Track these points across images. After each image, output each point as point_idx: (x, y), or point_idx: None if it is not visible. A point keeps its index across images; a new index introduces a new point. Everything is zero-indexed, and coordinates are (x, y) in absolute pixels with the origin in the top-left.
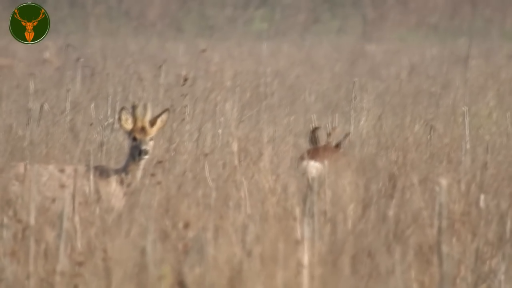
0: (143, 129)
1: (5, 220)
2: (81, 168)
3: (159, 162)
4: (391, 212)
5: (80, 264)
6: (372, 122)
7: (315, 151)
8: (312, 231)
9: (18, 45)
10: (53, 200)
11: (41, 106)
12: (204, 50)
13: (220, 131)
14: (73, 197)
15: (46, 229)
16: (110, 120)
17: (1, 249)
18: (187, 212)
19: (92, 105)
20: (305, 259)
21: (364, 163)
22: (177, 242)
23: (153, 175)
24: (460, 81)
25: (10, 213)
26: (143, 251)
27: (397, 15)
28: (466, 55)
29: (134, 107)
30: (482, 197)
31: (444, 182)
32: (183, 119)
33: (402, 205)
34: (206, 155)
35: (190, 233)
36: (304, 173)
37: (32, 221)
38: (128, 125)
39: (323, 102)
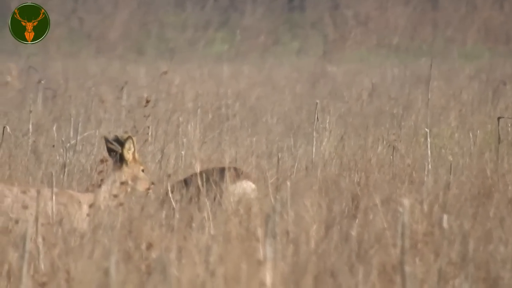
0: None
1: None
2: (45, 190)
3: (122, 183)
4: (354, 232)
5: (43, 285)
6: (334, 143)
7: (238, 171)
8: (274, 252)
9: None
10: (16, 221)
11: (4, 128)
12: (165, 72)
13: (183, 152)
14: (36, 218)
15: (9, 250)
16: (72, 142)
17: None
18: (150, 233)
19: (54, 127)
20: (268, 280)
21: (327, 184)
22: (140, 263)
23: (115, 196)
24: (422, 102)
25: None
26: (106, 272)
27: (358, 36)
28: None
29: (128, 138)
30: (445, 217)
31: (406, 202)
32: (146, 140)
33: (365, 225)
34: (169, 176)
35: (153, 254)
36: (242, 194)
37: None
38: (129, 155)
39: (285, 123)
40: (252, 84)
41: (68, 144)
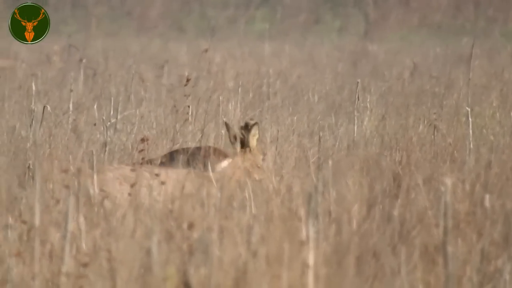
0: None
1: (10, 220)
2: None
3: (163, 162)
4: (396, 212)
5: (85, 265)
6: (375, 122)
7: (220, 151)
8: (317, 232)
9: (19, 46)
10: (57, 201)
11: (44, 107)
12: (205, 50)
13: (223, 131)
14: (77, 197)
15: (51, 230)
16: (113, 121)
17: (6, 250)
18: (192, 213)
19: (95, 106)
20: (310, 260)
21: (368, 163)
22: (182, 243)
23: (157, 175)
24: (463, 81)
25: (15, 213)
26: (148, 252)
27: (399, 15)
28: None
29: (255, 124)
30: (487, 196)
31: (448, 181)
32: (186, 120)
33: (407, 205)
34: None
35: (195, 234)
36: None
37: (37, 221)
38: (254, 142)
39: (326, 102)
40: (293, 62)
41: (109, 123)
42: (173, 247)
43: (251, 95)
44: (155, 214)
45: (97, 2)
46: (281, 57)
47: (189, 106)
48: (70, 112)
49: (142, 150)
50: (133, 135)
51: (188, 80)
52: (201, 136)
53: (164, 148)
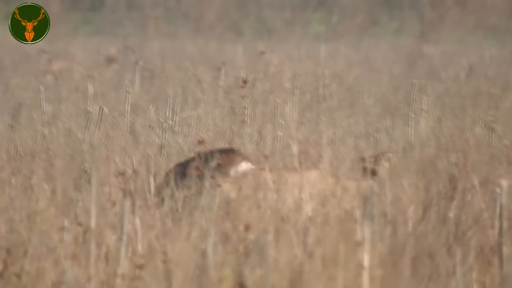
0: None
1: (66, 223)
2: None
3: (219, 164)
4: (451, 214)
5: (141, 267)
6: (431, 123)
7: (239, 154)
8: (372, 233)
9: (76, 48)
10: (114, 203)
11: (101, 109)
12: (263, 52)
13: (280, 133)
14: (134, 200)
15: (107, 232)
16: (170, 123)
17: (62, 252)
18: (248, 215)
19: (152, 108)
20: (366, 261)
21: (424, 165)
22: (237, 245)
23: (213, 177)
24: None
25: (71, 216)
26: (203, 254)
27: (455, 16)
28: None
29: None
30: None
31: (504, 183)
32: (243, 121)
33: (463, 207)
34: (266, 157)
35: (251, 235)
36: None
37: (93, 224)
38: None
39: (382, 104)
40: (349, 64)
41: (166, 125)
42: (229, 249)
43: (307, 96)
44: (211, 216)
45: (154, 3)
46: (337, 59)
47: (246, 108)
48: (127, 114)
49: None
50: (190, 137)
51: (245, 82)
52: (258, 138)
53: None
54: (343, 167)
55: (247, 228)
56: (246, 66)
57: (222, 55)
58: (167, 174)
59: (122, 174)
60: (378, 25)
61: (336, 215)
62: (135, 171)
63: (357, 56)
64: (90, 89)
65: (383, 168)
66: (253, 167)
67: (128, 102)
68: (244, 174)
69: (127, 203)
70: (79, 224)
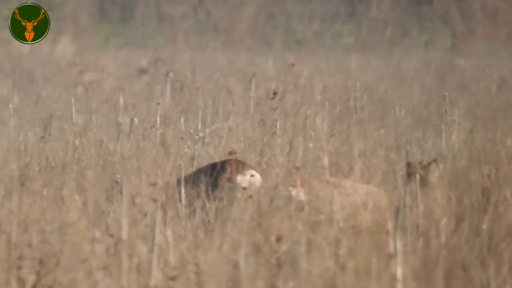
0: None
1: (97, 234)
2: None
3: (251, 176)
4: (484, 226)
5: (173, 278)
6: (463, 136)
7: (244, 164)
8: (405, 245)
9: (107, 60)
10: (145, 214)
11: (131, 120)
12: (292, 64)
13: (311, 145)
14: (165, 211)
15: (138, 243)
16: (201, 134)
17: (94, 263)
18: (280, 226)
19: (182, 119)
20: (399, 273)
21: (457, 177)
22: (270, 256)
23: (245, 188)
24: None
25: (102, 227)
26: (236, 265)
27: (486, 29)
28: None
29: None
30: None
31: None
32: (274, 133)
33: (496, 219)
34: (297, 168)
35: (283, 247)
36: (250, 185)
37: (124, 235)
38: (434, 178)
39: (413, 116)
40: (380, 76)
41: (197, 136)
42: (261, 260)
43: (338, 108)
44: (243, 227)
45: (184, 15)
46: (368, 71)
47: (276, 120)
48: (158, 126)
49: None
50: (221, 149)
51: (275, 94)
52: (289, 149)
53: (252, 161)
54: (374, 178)
55: (279, 239)
56: (276, 77)
57: (252, 66)
58: (178, 181)
59: (153, 185)
60: (409, 37)
61: (368, 227)
62: (166, 182)
63: (387, 68)
64: (121, 100)
65: (433, 175)
66: (258, 175)
67: (159, 114)
68: (251, 183)
69: (159, 214)
70: (111, 235)
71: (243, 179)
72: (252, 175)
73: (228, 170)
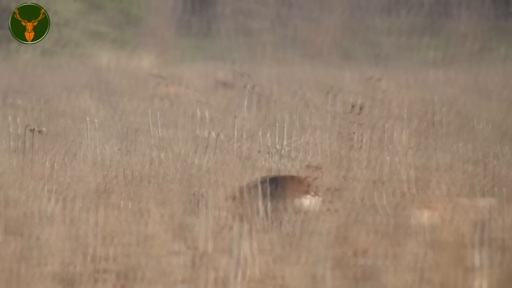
0: None
1: (179, 247)
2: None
3: (336, 190)
4: None
5: None
6: None
7: (303, 184)
8: (488, 259)
9: (188, 73)
10: (225, 227)
11: (211, 134)
12: (372, 78)
13: (388, 158)
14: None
15: (220, 256)
16: (279, 147)
17: (175, 276)
18: (363, 240)
19: (261, 132)
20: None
21: None
22: (352, 270)
23: (330, 202)
24: None
25: (184, 240)
26: (319, 279)
27: None
28: None
29: None
30: None
31: None
32: (352, 146)
33: None
34: (374, 182)
35: (366, 261)
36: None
37: (205, 248)
38: None
39: (495, 129)
40: (461, 90)
41: (274, 149)
42: (343, 274)
43: (418, 122)
44: (326, 241)
45: (265, 29)
46: (449, 85)
47: (354, 133)
48: (236, 139)
49: (316, 178)
50: (299, 162)
51: (354, 107)
52: (367, 163)
53: (331, 175)
54: (455, 192)
55: (362, 253)
56: (356, 91)
57: (332, 80)
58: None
59: (233, 198)
60: (490, 50)
61: (452, 240)
62: (245, 195)
63: (468, 81)
64: (201, 113)
65: None
66: (320, 199)
67: (238, 127)
68: (310, 206)
69: (239, 227)
70: (192, 248)
71: (301, 202)
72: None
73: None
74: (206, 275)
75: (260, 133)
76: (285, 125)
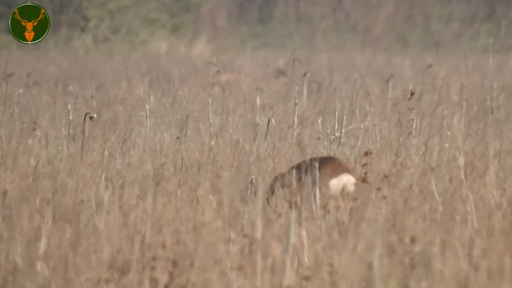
0: None
1: (232, 235)
2: None
3: (385, 176)
4: None
5: (307, 278)
6: None
7: (339, 164)
8: None
9: (244, 60)
10: (280, 215)
11: (268, 121)
12: (430, 65)
13: (446, 145)
14: (299, 211)
15: (273, 244)
16: (337, 134)
17: (228, 264)
18: (414, 227)
19: (319, 120)
20: None
21: None
22: (403, 257)
23: (379, 189)
24: None
25: (237, 228)
26: (369, 266)
27: None
28: None
29: None
30: None
31: None
32: (410, 133)
33: None
34: (432, 169)
35: (417, 248)
36: (342, 188)
37: (259, 235)
38: None
39: None
40: None
41: (333, 137)
42: (395, 261)
43: (475, 108)
44: (377, 228)
45: (322, 16)
46: (505, 72)
47: (413, 120)
48: (295, 126)
49: (365, 165)
50: (357, 149)
51: (412, 94)
52: (425, 150)
53: (387, 161)
54: (509, 179)
55: (413, 240)
56: (413, 78)
57: (390, 67)
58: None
59: (287, 186)
60: None
61: (502, 227)
62: (300, 183)
63: None
64: (258, 101)
65: None
66: (354, 179)
67: (296, 114)
68: (345, 187)
69: (293, 215)
70: (245, 235)
71: (335, 183)
72: (345, 178)
73: (323, 172)
74: (259, 262)
75: (319, 121)
76: (344, 112)
